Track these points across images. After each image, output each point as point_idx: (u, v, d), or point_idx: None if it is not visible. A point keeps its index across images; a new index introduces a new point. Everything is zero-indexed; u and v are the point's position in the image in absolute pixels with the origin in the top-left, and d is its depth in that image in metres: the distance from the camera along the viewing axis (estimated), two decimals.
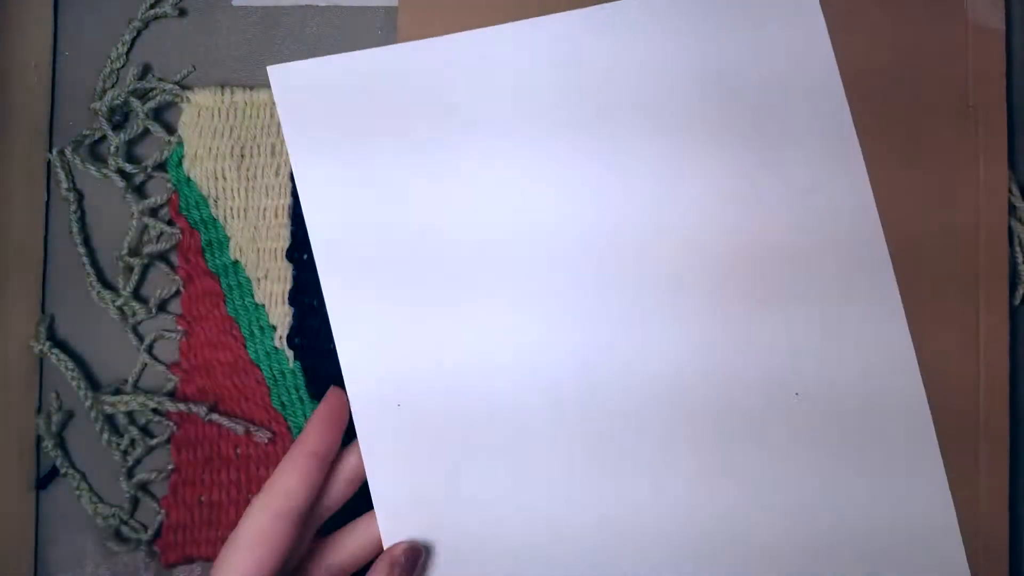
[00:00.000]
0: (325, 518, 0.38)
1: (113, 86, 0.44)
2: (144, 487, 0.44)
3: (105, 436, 0.43)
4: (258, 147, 0.43)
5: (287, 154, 0.43)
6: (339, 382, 0.43)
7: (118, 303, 0.43)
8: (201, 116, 0.43)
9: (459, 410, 0.39)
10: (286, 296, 0.43)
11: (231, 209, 0.43)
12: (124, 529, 0.43)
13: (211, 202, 0.43)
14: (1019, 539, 0.42)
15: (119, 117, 0.44)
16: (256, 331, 0.43)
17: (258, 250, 0.43)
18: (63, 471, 0.43)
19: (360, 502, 0.39)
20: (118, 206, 0.44)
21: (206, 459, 0.43)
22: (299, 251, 0.43)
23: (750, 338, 0.40)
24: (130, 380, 0.44)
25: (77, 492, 0.43)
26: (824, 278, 0.40)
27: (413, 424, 0.39)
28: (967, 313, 0.42)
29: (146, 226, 0.44)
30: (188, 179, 0.43)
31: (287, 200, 0.43)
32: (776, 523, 0.39)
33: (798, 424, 0.39)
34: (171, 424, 0.43)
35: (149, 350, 0.44)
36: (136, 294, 0.44)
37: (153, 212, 0.44)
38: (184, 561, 0.43)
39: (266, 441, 0.43)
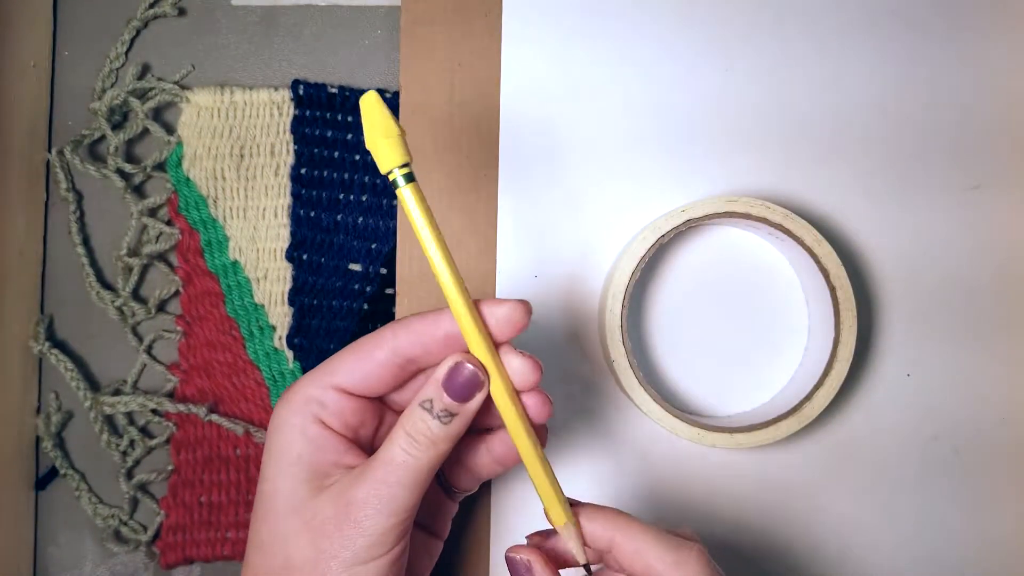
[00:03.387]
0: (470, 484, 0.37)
1: (112, 86, 0.44)
2: (143, 488, 0.44)
3: (104, 437, 0.43)
4: (257, 147, 0.43)
5: (286, 154, 0.43)
6: None
7: (117, 303, 0.43)
8: (200, 116, 0.43)
9: None
10: (286, 296, 0.43)
11: (230, 209, 0.43)
12: (123, 530, 0.43)
13: (210, 202, 0.43)
14: None
15: (118, 117, 0.44)
16: (255, 331, 0.43)
17: (257, 250, 0.43)
18: (63, 471, 0.43)
19: None
20: (117, 206, 0.44)
21: (205, 460, 0.43)
22: (298, 251, 0.43)
23: None
24: (129, 380, 0.44)
25: (76, 492, 0.43)
26: None
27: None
28: None
29: (145, 226, 0.44)
30: (187, 179, 0.43)
31: (286, 200, 0.43)
32: None
33: None
34: (170, 425, 0.43)
35: (148, 350, 0.44)
36: (135, 294, 0.44)
37: (152, 212, 0.44)
38: (183, 562, 0.43)
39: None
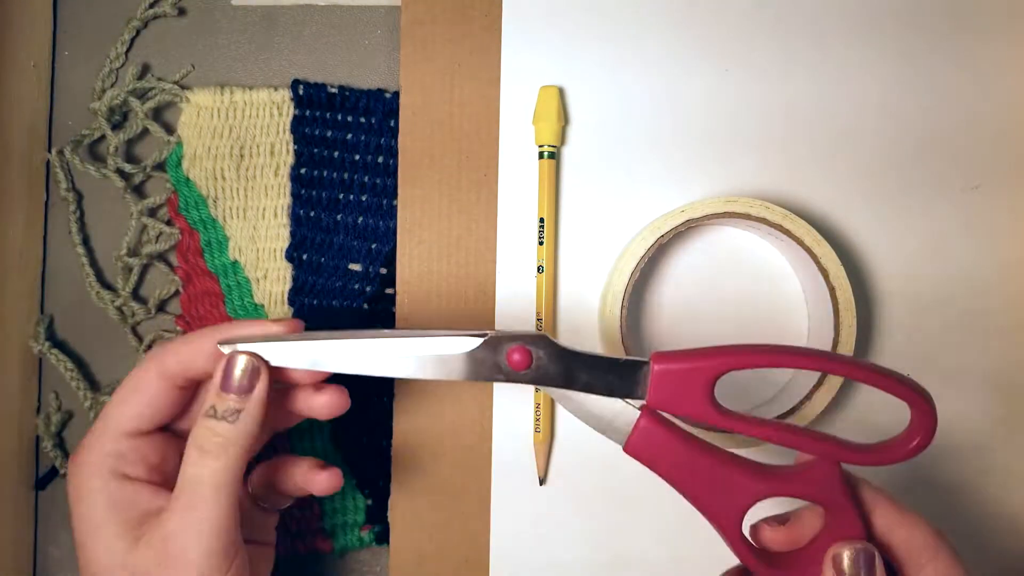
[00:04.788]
0: (272, 435, 0.37)
1: (112, 86, 0.44)
2: None
3: None
4: (257, 147, 0.43)
5: (286, 154, 0.43)
6: (337, 383, 0.43)
7: (117, 303, 0.43)
8: (200, 116, 0.43)
9: None
10: (285, 296, 0.43)
11: (230, 209, 0.43)
12: None
13: (210, 202, 0.43)
14: None
15: (118, 117, 0.44)
16: None
17: (257, 250, 0.43)
18: (62, 471, 0.43)
19: None
20: (117, 206, 0.44)
21: None
22: (298, 251, 0.43)
23: None
24: None
25: None
26: None
27: None
28: None
29: (145, 226, 0.44)
30: (187, 179, 0.43)
31: (286, 200, 0.43)
32: None
33: None
34: None
35: (148, 350, 0.44)
36: (135, 294, 0.44)
37: (152, 212, 0.44)
38: None
39: (265, 443, 0.43)
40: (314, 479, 0.35)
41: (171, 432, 0.35)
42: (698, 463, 0.31)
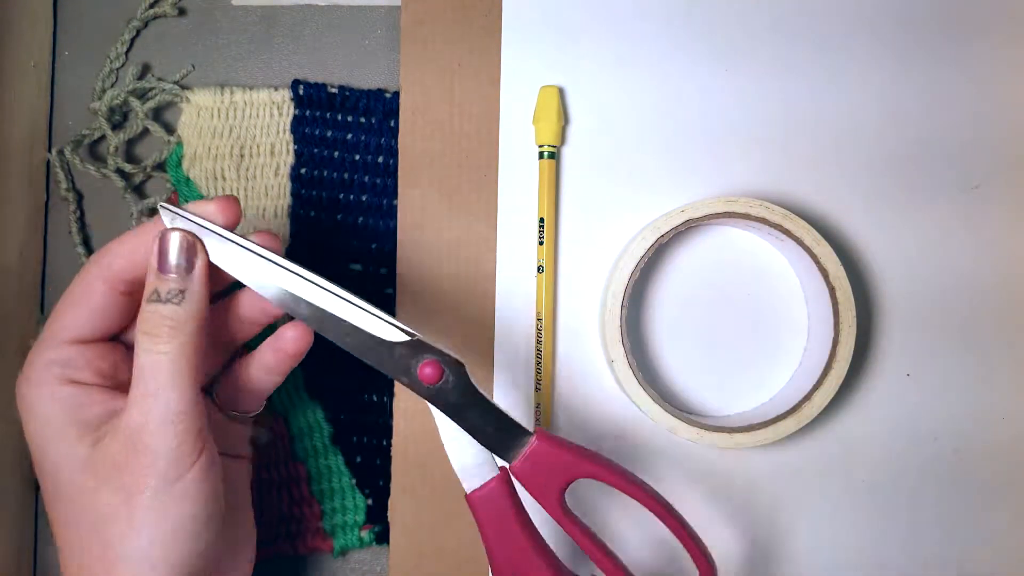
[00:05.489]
0: (231, 350, 0.36)
1: (112, 86, 0.44)
2: None
3: None
4: (257, 147, 0.43)
5: (286, 154, 0.43)
6: (337, 383, 0.43)
7: None
8: (200, 116, 0.43)
9: None
10: None
11: None
12: None
13: None
14: None
15: (118, 117, 0.44)
16: None
17: None
18: None
19: None
20: (117, 206, 0.44)
21: None
22: (299, 251, 0.43)
23: None
24: None
25: None
26: None
27: None
28: None
29: None
30: (187, 179, 0.43)
31: (286, 200, 0.43)
32: None
33: None
34: None
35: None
36: None
37: (152, 212, 0.44)
38: None
39: (265, 442, 0.43)
40: (284, 339, 0.34)
41: (121, 343, 0.33)
42: (518, 547, 0.33)
